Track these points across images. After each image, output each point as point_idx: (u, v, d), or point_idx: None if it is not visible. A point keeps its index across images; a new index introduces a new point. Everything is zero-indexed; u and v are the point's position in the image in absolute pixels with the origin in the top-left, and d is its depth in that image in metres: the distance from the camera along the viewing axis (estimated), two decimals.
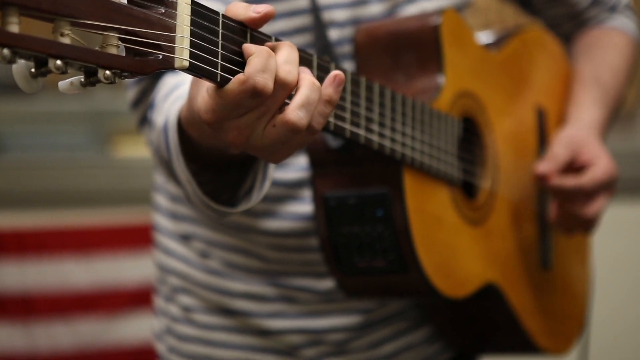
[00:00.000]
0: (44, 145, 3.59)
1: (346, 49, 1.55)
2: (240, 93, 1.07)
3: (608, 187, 1.67)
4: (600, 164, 1.65)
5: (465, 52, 1.57)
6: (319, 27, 1.52)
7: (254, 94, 1.07)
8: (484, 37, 1.72)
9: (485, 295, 1.59)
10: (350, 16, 1.55)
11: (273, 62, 1.08)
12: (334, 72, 1.14)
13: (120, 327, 3.26)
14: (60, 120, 3.59)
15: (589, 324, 1.87)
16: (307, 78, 1.11)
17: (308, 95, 1.10)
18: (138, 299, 3.19)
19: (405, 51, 1.51)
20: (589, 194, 1.64)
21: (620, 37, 1.84)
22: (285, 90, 1.09)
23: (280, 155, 1.16)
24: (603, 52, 1.83)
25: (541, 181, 1.63)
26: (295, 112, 1.10)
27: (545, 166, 1.63)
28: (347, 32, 1.55)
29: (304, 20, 1.54)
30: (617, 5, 1.85)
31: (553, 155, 1.64)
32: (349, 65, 1.55)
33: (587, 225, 1.68)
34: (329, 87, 1.14)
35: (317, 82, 1.11)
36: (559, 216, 1.68)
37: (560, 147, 1.65)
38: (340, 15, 1.55)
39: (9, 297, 3.21)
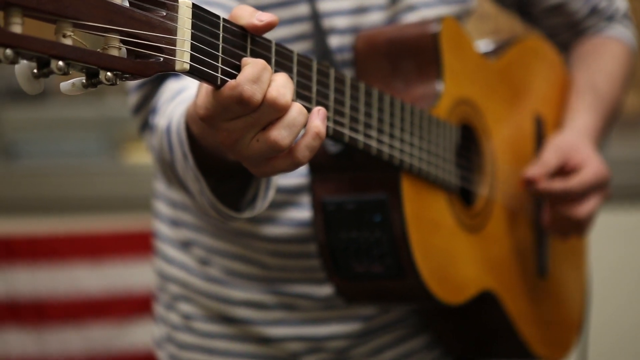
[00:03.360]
0: (56, 152, 3.60)
1: (346, 56, 1.56)
2: (228, 98, 1.08)
3: (599, 189, 1.67)
4: (590, 167, 1.65)
5: (464, 60, 1.58)
6: (319, 34, 1.53)
7: (241, 102, 1.08)
8: (483, 45, 1.73)
9: (483, 302, 1.59)
10: (350, 24, 1.56)
11: (267, 76, 1.10)
12: (317, 108, 1.16)
13: (131, 332, 3.27)
14: (71, 126, 3.60)
15: (587, 330, 1.87)
16: (297, 104, 1.13)
17: (295, 117, 1.11)
18: (149, 304, 3.19)
19: (405, 58, 1.51)
20: (578, 196, 1.64)
21: (617, 45, 1.85)
22: (274, 109, 1.10)
23: (263, 170, 1.17)
24: (599, 60, 1.83)
25: (529, 185, 1.63)
26: (278, 130, 1.11)
27: (533, 170, 1.63)
28: (348, 39, 1.56)
29: (304, 28, 1.55)
30: (615, 14, 1.86)
31: (542, 161, 1.65)
32: (349, 72, 1.55)
33: (580, 227, 1.68)
34: (316, 120, 1.15)
35: (305, 110, 1.13)
36: (552, 220, 1.68)
37: (550, 153, 1.66)
38: (340, 22, 1.56)
39: (21, 303, 3.22)
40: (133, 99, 1.56)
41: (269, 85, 1.10)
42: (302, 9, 1.55)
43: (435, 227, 1.48)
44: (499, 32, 3.35)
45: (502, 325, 1.66)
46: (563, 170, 1.66)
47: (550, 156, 1.65)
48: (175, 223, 1.69)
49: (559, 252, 1.80)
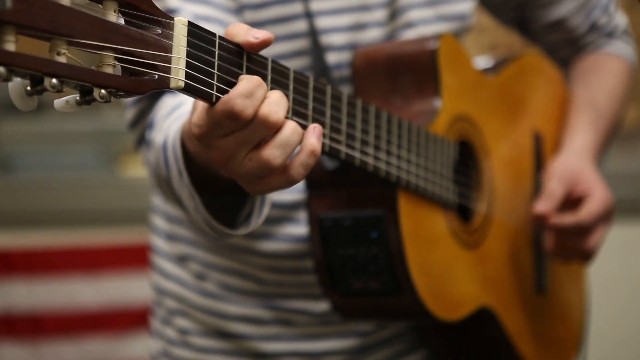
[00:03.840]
0: (52, 165, 3.59)
1: (344, 72, 1.56)
2: (220, 113, 1.08)
3: (606, 217, 1.67)
4: (596, 195, 1.64)
5: (463, 76, 1.58)
6: (317, 50, 1.53)
7: (231, 116, 1.07)
8: (482, 61, 1.73)
9: (480, 319, 1.59)
10: (348, 40, 1.56)
11: (261, 92, 1.09)
12: (312, 125, 1.15)
13: (128, 346, 3.27)
14: (68, 140, 3.60)
15: (587, 346, 1.86)
16: (291, 122, 1.12)
17: (288, 137, 1.11)
18: (146, 318, 3.18)
19: (403, 74, 1.51)
20: (587, 228, 1.64)
21: (617, 62, 1.85)
22: (265, 127, 1.09)
23: (257, 188, 1.16)
24: (599, 77, 1.83)
25: (540, 221, 1.63)
26: (271, 149, 1.11)
27: (543, 206, 1.62)
28: (345, 56, 1.56)
29: (302, 44, 1.55)
30: (615, 30, 1.85)
31: (549, 193, 1.63)
32: (347, 89, 1.55)
33: (586, 256, 1.68)
34: (311, 137, 1.14)
35: (300, 129, 1.12)
36: (557, 248, 1.67)
37: (555, 183, 1.64)
38: (338, 39, 1.56)
39: (17, 316, 3.22)
40: (129, 113, 1.56)
41: (262, 102, 1.09)
42: (300, 25, 1.55)
43: (432, 244, 1.48)
44: (497, 46, 3.36)
45: (500, 342, 1.65)
46: (569, 199, 1.65)
47: (556, 187, 1.64)
48: (171, 237, 1.69)
49: (558, 268, 1.79)
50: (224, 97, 1.07)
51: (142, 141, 1.55)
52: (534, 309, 1.74)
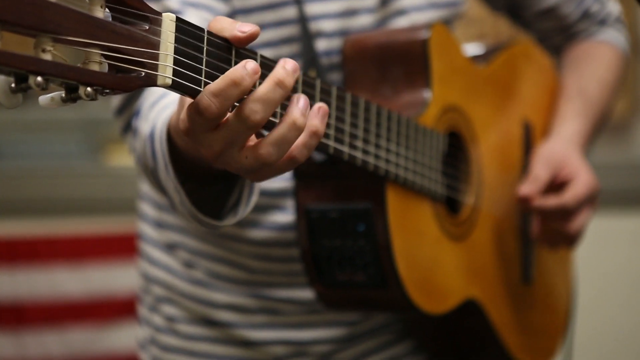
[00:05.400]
0: (37, 154, 3.58)
1: (334, 59, 1.55)
2: (190, 107, 1.06)
3: (590, 201, 1.67)
4: (580, 179, 1.65)
5: (453, 66, 1.57)
6: (306, 37, 1.52)
7: (197, 112, 1.05)
8: (473, 50, 1.72)
9: (466, 310, 1.59)
10: (339, 27, 1.55)
11: (234, 92, 1.05)
12: (318, 105, 1.13)
13: (112, 335, 3.26)
14: (52, 128, 3.59)
15: (572, 337, 1.87)
16: (291, 116, 1.09)
17: (284, 134, 1.09)
18: (130, 307, 3.18)
19: (393, 64, 1.51)
20: (571, 211, 1.64)
21: (608, 50, 1.84)
22: (246, 126, 1.07)
23: (258, 176, 1.15)
24: (590, 65, 1.82)
25: (523, 203, 1.63)
26: (267, 147, 1.09)
27: (527, 188, 1.63)
28: (336, 42, 1.55)
29: (291, 30, 1.54)
30: (608, 18, 1.85)
31: (534, 176, 1.64)
32: (336, 76, 1.55)
33: (571, 240, 1.68)
34: (314, 119, 1.12)
35: (299, 122, 1.10)
36: (542, 233, 1.68)
37: (540, 167, 1.65)
38: (328, 25, 1.55)
39: (0, 306, 3.20)
40: (115, 100, 1.55)
41: (238, 101, 1.06)
42: (289, 12, 1.53)
43: (419, 237, 1.48)
44: (484, 37, 3.34)
45: (486, 333, 1.66)
46: (554, 183, 1.65)
47: (541, 170, 1.64)
48: (160, 225, 1.69)
49: (545, 258, 1.80)
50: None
51: (128, 128, 1.54)
52: (520, 299, 1.74)
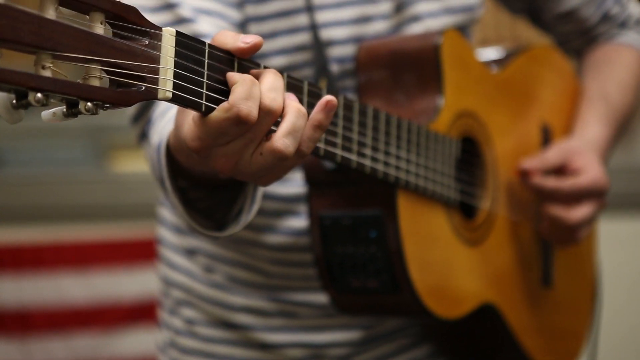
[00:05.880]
0: (42, 160, 3.59)
1: (347, 66, 1.55)
2: (224, 121, 1.06)
3: (595, 197, 1.65)
4: (589, 173, 1.64)
5: (467, 72, 1.57)
6: (318, 45, 1.52)
7: (238, 121, 1.06)
8: (490, 54, 1.72)
9: (483, 315, 1.59)
10: (351, 34, 1.55)
11: (257, 90, 1.08)
12: (326, 98, 1.13)
13: (118, 342, 3.26)
14: (57, 135, 3.59)
15: (596, 338, 1.86)
16: (292, 105, 1.11)
17: (294, 122, 1.10)
18: (135, 314, 3.19)
19: (406, 71, 1.51)
20: (568, 198, 1.63)
21: (629, 53, 1.83)
22: (270, 117, 1.09)
23: (269, 179, 1.16)
24: (611, 68, 1.81)
25: (523, 176, 1.63)
26: (281, 140, 1.09)
27: (530, 163, 1.63)
28: (349, 50, 1.55)
29: (303, 38, 1.54)
30: (628, 21, 1.84)
31: (542, 157, 1.64)
32: (349, 83, 1.55)
33: (573, 233, 1.66)
34: (320, 113, 1.13)
35: (302, 109, 1.11)
36: (548, 226, 1.66)
37: (552, 152, 1.65)
38: (339, 33, 1.55)
39: (5, 313, 3.21)
40: (131, 108, 1.55)
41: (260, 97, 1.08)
42: (301, 20, 1.53)
43: (432, 242, 1.48)
44: (486, 42, 3.34)
45: (504, 337, 1.65)
46: (562, 171, 1.65)
47: (552, 154, 1.65)
48: (180, 230, 1.69)
49: (565, 260, 1.79)
50: (225, 105, 1.06)
51: (144, 136, 1.54)
52: (540, 302, 1.73)
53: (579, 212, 1.63)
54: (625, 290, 3.52)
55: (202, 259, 1.66)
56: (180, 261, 1.70)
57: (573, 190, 1.63)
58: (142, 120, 1.54)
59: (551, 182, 1.63)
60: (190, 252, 1.68)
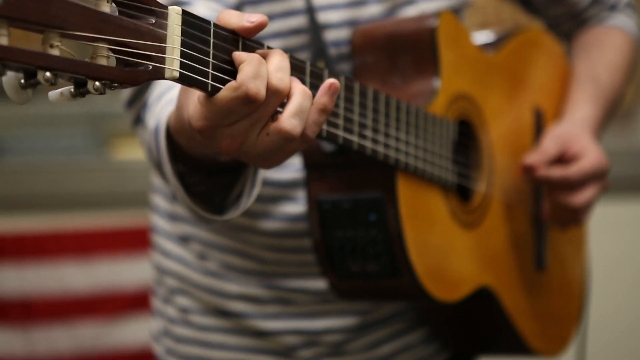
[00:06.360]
0: (43, 149, 3.58)
1: (343, 49, 1.55)
2: (232, 100, 1.06)
3: (598, 178, 1.66)
4: (589, 156, 1.64)
5: (462, 55, 1.57)
6: (314, 28, 1.52)
7: (247, 100, 1.06)
8: (483, 37, 1.72)
9: (480, 298, 1.59)
10: (346, 17, 1.55)
11: (264, 69, 1.08)
12: (330, 81, 1.14)
13: (120, 330, 3.25)
14: (58, 123, 3.58)
15: (586, 324, 1.87)
16: (298, 86, 1.11)
17: (300, 103, 1.10)
18: (138, 302, 3.18)
19: (402, 53, 1.51)
20: (576, 184, 1.64)
21: (619, 35, 1.84)
22: (277, 97, 1.09)
23: (273, 162, 1.16)
24: (601, 51, 1.82)
25: (528, 172, 1.63)
26: (289, 120, 1.09)
27: (532, 158, 1.63)
28: (344, 33, 1.55)
29: (299, 21, 1.54)
30: (618, 3, 1.84)
31: (542, 149, 1.65)
32: (345, 67, 1.55)
33: (578, 216, 1.67)
34: (324, 96, 1.13)
35: (308, 90, 1.11)
36: (552, 210, 1.67)
37: (549, 141, 1.65)
38: (335, 16, 1.55)
39: (8, 302, 3.20)
40: (125, 93, 1.55)
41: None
42: (297, 3, 1.54)
43: (431, 225, 1.48)
44: (487, 25, 3.34)
45: (499, 320, 1.66)
46: (562, 159, 1.65)
47: (550, 144, 1.65)
48: (173, 217, 1.69)
49: (558, 244, 1.80)
50: (233, 84, 1.06)
51: (139, 120, 1.54)
52: (535, 286, 1.74)
53: (584, 196, 1.65)
54: (629, 275, 3.52)
55: (196, 246, 1.66)
56: (173, 249, 1.69)
57: (579, 175, 1.63)
58: (137, 104, 1.54)
59: (558, 172, 1.63)
60: (183, 239, 1.67)
